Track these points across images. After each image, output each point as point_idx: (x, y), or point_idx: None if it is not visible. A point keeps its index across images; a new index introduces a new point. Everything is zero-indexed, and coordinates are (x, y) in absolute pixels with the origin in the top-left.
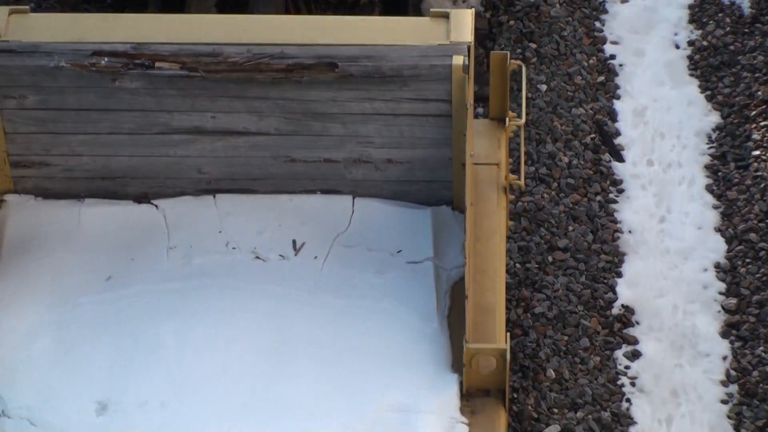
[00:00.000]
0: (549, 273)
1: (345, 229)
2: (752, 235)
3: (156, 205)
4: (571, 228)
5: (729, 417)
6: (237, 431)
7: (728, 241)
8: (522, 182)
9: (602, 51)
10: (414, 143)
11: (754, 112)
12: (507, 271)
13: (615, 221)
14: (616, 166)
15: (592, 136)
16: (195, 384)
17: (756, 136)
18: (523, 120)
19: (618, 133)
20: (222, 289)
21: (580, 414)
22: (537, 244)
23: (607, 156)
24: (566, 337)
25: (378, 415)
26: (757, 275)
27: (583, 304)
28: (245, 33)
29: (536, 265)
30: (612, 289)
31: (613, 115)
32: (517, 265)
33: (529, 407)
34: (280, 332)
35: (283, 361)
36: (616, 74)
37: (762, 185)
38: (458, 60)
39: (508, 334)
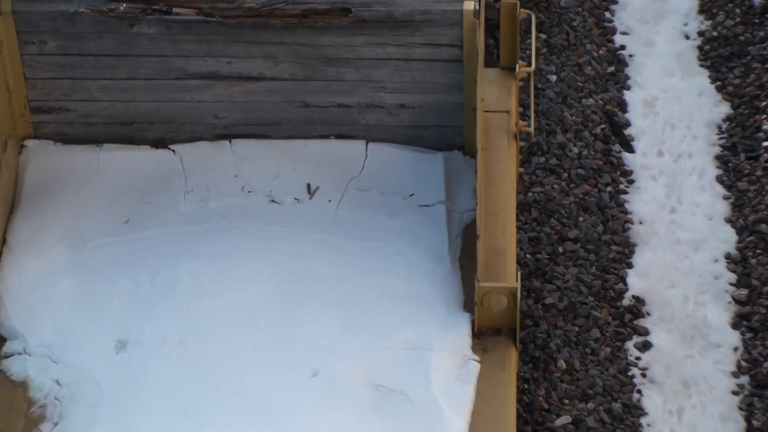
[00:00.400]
0: (559, 264)
1: (358, 173)
2: (763, 226)
3: (173, 150)
4: (581, 219)
5: (740, 408)
6: (253, 368)
7: (739, 232)
8: (532, 130)
9: (612, 41)
10: (426, 88)
11: (764, 103)
12: (517, 262)
13: (625, 212)
14: (627, 156)
15: (602, 126)
16: (212, 322)
17: (766, 126)
18: (533, 67)
19: (628, 124)
20: (238, 232)
21: (590, 405)
22: (547, 234)
23: (617, 147)
24: (577, 328)
25: (391, 352)
26: None
27: (593, 295)
28: None
29: (546, 256)
30: (622, 279)
31: (623, 106)
32: (528, 256)
33: (540, 398)
34: (294, 273)
35: (297, 301)
36: (626, 65)
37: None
38: (469, 5)
39: (519, 273)
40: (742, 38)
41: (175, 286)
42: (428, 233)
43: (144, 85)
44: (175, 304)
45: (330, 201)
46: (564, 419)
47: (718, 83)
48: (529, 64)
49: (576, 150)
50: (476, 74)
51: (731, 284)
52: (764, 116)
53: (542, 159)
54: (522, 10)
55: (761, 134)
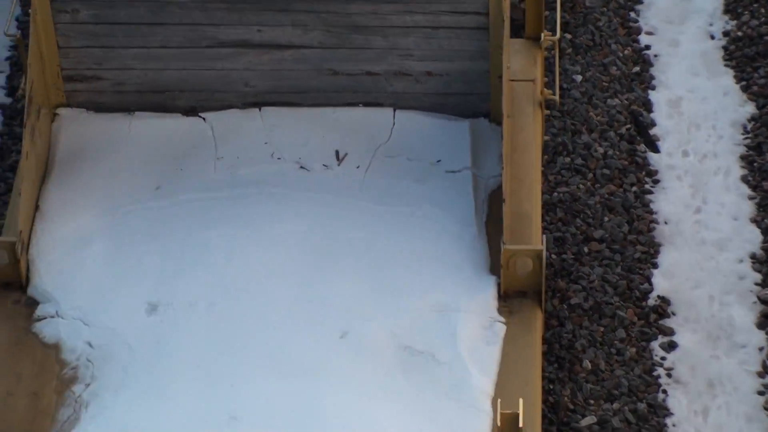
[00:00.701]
0: (585, 264)
1: (386, 140)
2: None
3: (204, 118)
4: (606, 219)
5: (766, 408)
6: (282, 330)
7: (764, 232)
8: (557, 98)
9: (637, 41)
10: (452, 56)
11: None
12: (547, 266)
13: (651, 212)
14: (652, 156)
15: (628, 126)
16: (242, 286)
17: None
18: (558, 36)
19: (653, 124)
20: (268, 197)
21: (616, 405)
22: (573, 234)
23: (642, 147)
24: (602, 328)
25: (418, 314)
26: None
27: (618, 295)
28: None
29: (572, 256)
30: (648, 280)
31: (648, 106)
32: (553, 256)
33: (565, 398)
34: (323, 237)
35: (326, 264)
36: (651, 65)
37: None
38: None
39: (544, 236)
40: (767, 38)
41: (206, 250)
42: (455, 198)
43: (175, 53)
44: (206, 268)
45: (358, 167)
46: (589, 419)
47: (743, 83)
48: (554, 34)
49: (601, 150)
50: (502, 42)
51: (756, 284)
52: None
53: (567, 159)
54: None
55: None
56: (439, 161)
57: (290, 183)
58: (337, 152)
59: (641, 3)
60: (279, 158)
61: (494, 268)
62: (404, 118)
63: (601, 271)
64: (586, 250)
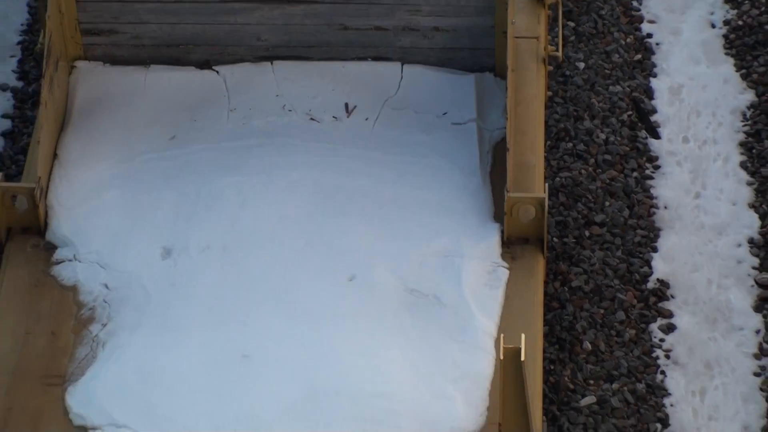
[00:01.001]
0: (586, 247)
1: (394, 93)
2: None
3: (217, 71)
4: (607, 203)
5: (762, 389)
6: (293, 273)
7: (762, 217)
8: (560, 54)
9: (639, 30)
10: (459, 11)
11: None
12: (547, 261)
13: (651, 197)
14: (653, 142)
15: (629, 113)
16: (254, 231)
17: None
18: None
19: (654, 111)
20: (279, 147)
21: (615, 385)
22: (574, 219)
23: (643, 133)
24: (602, 311)
25: (424, 259)
26: None
27: (619, 278)
28: None
29: (573, 240)
30: (647, 263)
31: (649, 93)
32: (555, 240)
33: (566, 378)
34: (333, 185)
35: (335, 212)
36: (653, 53)
37: None
38: None
39: (546, 185)
40: (767, 27)
41: (219, 197)
42: (460, 149)
43: (190, 8)
44: (219, 214)
45: (367, 119)
46: (589, 399)
47: (743, 71)
48: None
49: (603, 136)
50: (508, 1)
51: (754, 268)
52: None
53: (570, 144)
54: None
55: None
56: (445, 114)
57: (301, 134)
58: (346, 105)
59: None
60: (290, 110)
61: (498, 216)
62: (412, 72)
63: (601, 254)
64: (587, 234)
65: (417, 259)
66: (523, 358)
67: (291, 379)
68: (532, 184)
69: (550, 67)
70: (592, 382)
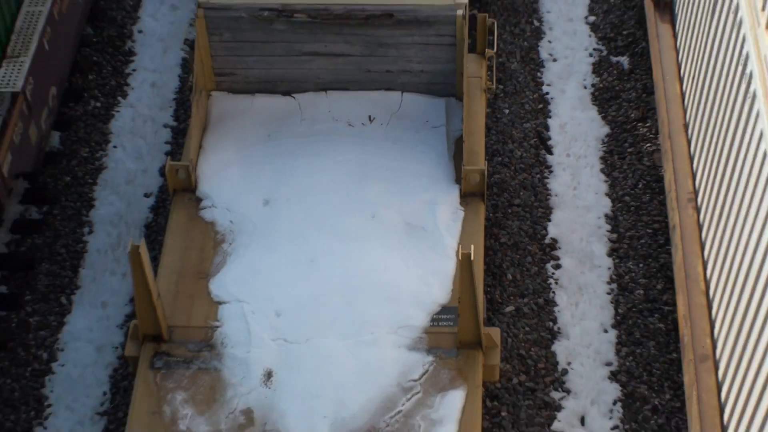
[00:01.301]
0: (509, 219)
1: (397, 109)
2: (627, 198)
3: (294, 97)
4: (522, 193)
5: (611, 302)
6: (338, 214)
7: (613, 202)
8: (494, 87)
9: (541, 89)
10: (436, 61)
11: (629, 126)
12: (486, 218)
13: (547, 189)
14: (548, 157)
15: (534, 140)
16: (315, 188)
17: (629, 140)
18: (495, 50)
19: (549, 138)
20: (331, 141)
21: (525, 300)
22: (501, 202)
23: (543, 152)
24: (518, 256)
25: (415, 205)
26: (630, 221)
27: (528, 237)
28: None
29: (501, 214)
30: (545, 228)
31: (546, 128)
32: (490, 214)
33: (496, 295)
34: (361, 162)
35: (364, 177)
36: (549, 103)
37: (633, 168)
38: (459, 12)
39: (486, 162)
40: (617, 88)
41: (295, 169)
42: (437, 142)
43: (278, 59)
44: (295, 179)
45: (381, 124)
46: (510, 308)
47: (603, 114)
48: (493, 49)
49: (519, 153)
50: (463, 54)
51: (608, 231)
52: (628, 134)
53: (499, 158)
54: (488, 19)
55: (627, 144)
56: (427, 121)
57: (343, 133)
58: (369, 116)
59: (544, 67)
60: (336, 119)
61: (457, 180)
62: (408, 97)
63: (518, 223)
64: (509, 211)
65: (411, 205)
66: (472, 258)
67: (338, 272)
68: (477, 162)
69: (489, 95)
70: (512, 297)
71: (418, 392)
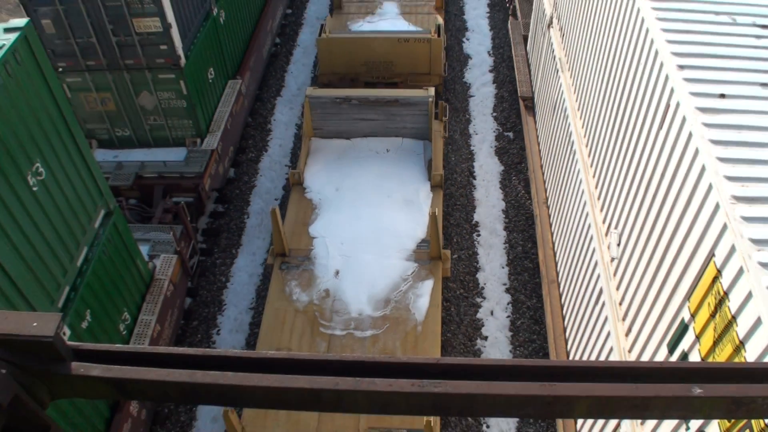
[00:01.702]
0: (454, 212)
1: (400, 145)
2: (513, 201)
3: (350, 140)
4: (461, 199)
5: (506, 253)
6: (371, 195)
7: (506, 203)
8: (446, 135)
9: (469, 148)
10: (419, 122)
11: (514, 166)
12: (442, 202)
13: (473, 197)
14: (473, 181)
15: (467, 173)
16: (359, 183)
17: (514, 173)
18: (447, 118)
19: (474, 171)
20: (367, 159)
21: (462, 252)
22: (450, 203)
23: (471, 178)
24: (459, 230)
25: (409, 192)
26: (514, 213)
27: (463, 221)
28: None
29: (450, 210)
30: (472, 216)
31: (472, 167)
32: (444, 209)
33: (449, 249)
34: (382, 171)
35: (384, 178)
36: (473, 155)
37: (515, 187)
38: (431, 99)
39: (443, 172)
40: (507, 148)
41: (350, 174)
42: (419, 161)
43: (343, 121)
44: (350, 178)
45: (392, 153)
46: (455, 256)
47: (500, 160)
48: (446, 117)
49: (459, 179)
50: (433, 120)
51: (504, 218)
52: (513, 170)
53: (450, 182)
54: (443, 103)
55: (512, 174)
56: (414, 152)
57: (373, 156)
58: (387, 149)
59: (470, 137)
60: (370, 150)
61: (429, 179)
62: (405, 140)
63: (458, 214)
64: (454, 208)
65: (407, 191)
66: (436, 215)
67: (371, 223)
68: (438, 170)
69: (445, 138)
70: (455, 251)
71: (410, 281)
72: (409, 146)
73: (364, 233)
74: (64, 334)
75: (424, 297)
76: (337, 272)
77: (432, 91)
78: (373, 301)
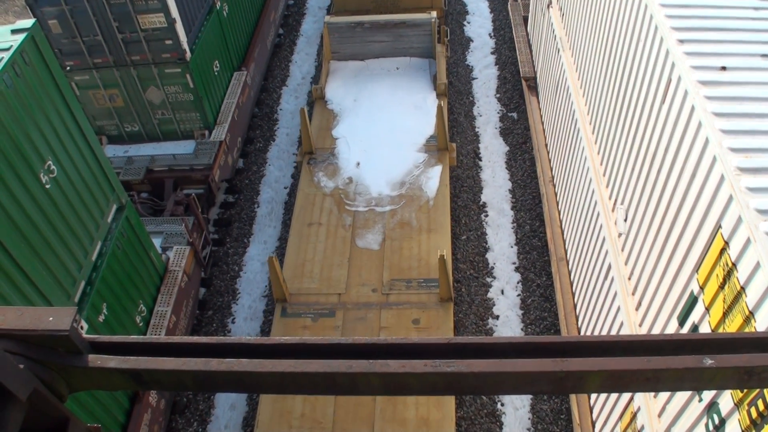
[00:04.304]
0: (461, 193)
1: (408, 63)
2: (519, 181)
3: (364, 61)
4: (467, 181)
5: (514, 232)
6: (390, 105)
7: (512, 183)
8: (448, 55)
9: (474, 129)
10: (424, 42)
11: (519, 146)
12: (449, 177)
13: (480, 178)
14: (479, 162)
15: (472, 154)
16: (373, 95)
17: (519, 153)
18: (448, 38)
19: (480, 152)
20: (380, 76)
21: (471, 233)
22: (457, 185)
23: (477, 160)
24: (467, 211)
25: (418, 98)
26: (521, 192)
27: (471, 202)
28: None
29: (458, 191)
30: (480, 197)
31: (478, 148)
32: (451, 190)
33: (457, 231)
34: (394, 85)
35: (397, 88)
36: (478, 136)
37: (521, 166)
38: (434, 20)
39: (447, 100)
40: (512, 128)
41: (366, 87)
42: (425, 76)
43: (357, 45)
44: (366, 91)
45: (399, 69)
46: (464, 237)
47: (505, 141)
48: (447, 38)
49: (465, 161)
50: (436, 41)
51: (511, 198)
52: (519, 150)
53: (456, 165)
54: (444, 27)
55: (518, 154)
56: (421, 68)
57: (385, 74)
58: (396, 67)
59: (475, 119)
60: (382, 68)
61: (434, 89)
62: (413, 59)
63: (466, 195)
64: (461, 189)
65: (416, 98)
66: (442, 108)
67: (388, 124)
68: (442, 80)
69: (447, 58)
70: (464, 232)
71: (421, 168)
72: (416, 64)
73: (380, 133)
74: (82, 327)
75: (434, 179)
76: (358, 163)
77: (434, 13)
78: (390, 184)
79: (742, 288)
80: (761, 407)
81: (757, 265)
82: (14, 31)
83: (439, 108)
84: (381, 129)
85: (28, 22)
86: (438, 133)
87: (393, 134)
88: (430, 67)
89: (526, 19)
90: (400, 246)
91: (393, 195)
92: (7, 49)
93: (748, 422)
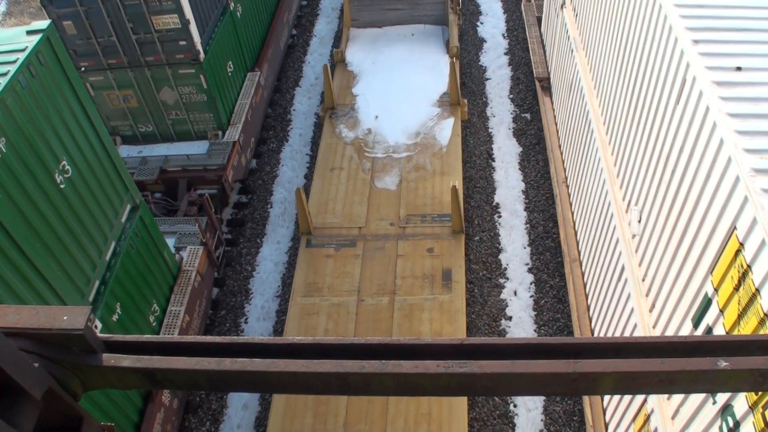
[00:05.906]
0: (474, 194)
1: (422, 30)
2: (532, 182)
3: (382, 28)
4: (480, 181)
5: (527, 233)
6: (407, 65)
7: (525, 184)
8: (461, 22)
9: (488, 130)
10: (438, 11)
11: (532, 147)
12: (462, 185)
13: (493, 180)
14: (492, 163)
15: (485, 155)
16: (391, 60)
17: (532, 154)
18: (459, 6)
19: (493, 153)
20: (397, 42)
21: (484, 234)
22: (470, 186)
23: (490, 161)
24: (480, 212)
25: (431, 61)
26: (534, 193)
27: (484, 203)
28: None
29: (470, 192)
30: (492, 198)
31: (491, 149)
32: (465, 191)
33: (470, 231)
34: (410, 49)
35: (410, 54)
36: (491, 137)
37: (535, 167)
38: None
39: (458, 45)
40: (525, 129)
41: (383, 51)
42: (439, 41)
43: (375, 12)
44: (384, 54)
45: (414, 35)
46: (477, 238)
47: (519, 142)
48: (459, 6)
49: (478, 161)
50: (450, 8)
51: (524, 199)
52: (531, 151)
53: (469, 165)
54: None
55: (531, 155)
56: (435, 35)
57: (402, 40)
58: (412, 33)
59: (488, 120)
60: (398, 35)
61: (447, 52)
62: (428, 27)
63: (479, 196)
64: (474, 190)
65: (430, 60)
66: (454, 65)
67: (404, 82)
68: (455, 44)
69: (459, 25)
70: (477, 233)
71: (435, 120)
72: (430, 31)
73: (397, 90)
74: (96, 327)
75: (446, 130)
76: (377, 117)
77: None
78: (406, 134)
79: (757, 290)
80: None
81: None
82: (30, 32)
83: (452, 65)
84: (398, 87)
85: (43, 24)
86: (450, 89)
87: (409, 91)
88: (443, 34)
89: (539, 20)
90: (415, 186)
91: (409, 143)
92: (23, 50)
93: (762, 425)
